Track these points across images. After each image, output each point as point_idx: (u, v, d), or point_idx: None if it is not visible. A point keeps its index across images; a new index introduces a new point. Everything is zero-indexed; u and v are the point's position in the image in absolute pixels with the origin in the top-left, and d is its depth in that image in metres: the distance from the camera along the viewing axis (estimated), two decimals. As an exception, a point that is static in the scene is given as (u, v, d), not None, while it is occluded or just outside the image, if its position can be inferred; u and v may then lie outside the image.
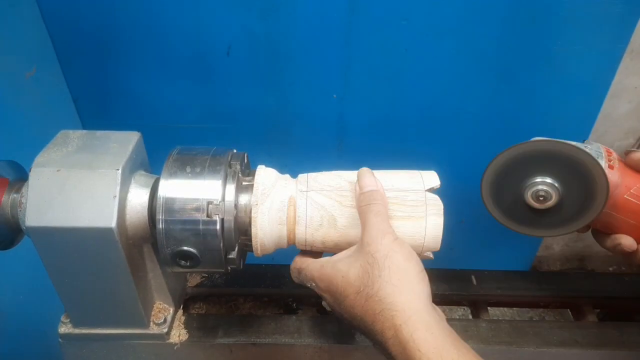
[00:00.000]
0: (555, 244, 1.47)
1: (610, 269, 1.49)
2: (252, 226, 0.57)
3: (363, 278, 0.51)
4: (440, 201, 0.58)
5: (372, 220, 0.54)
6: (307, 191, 0.59)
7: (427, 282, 0.53)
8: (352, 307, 0.52)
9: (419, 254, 0.57)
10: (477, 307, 0.85)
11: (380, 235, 0.52)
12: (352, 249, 0.56)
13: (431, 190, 0.59)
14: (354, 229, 0.58)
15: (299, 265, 0.60)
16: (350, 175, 0.60)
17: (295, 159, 1.03)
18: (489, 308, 0.85)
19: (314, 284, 0.58)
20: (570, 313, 0.88)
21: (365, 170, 0.58)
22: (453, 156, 1.04)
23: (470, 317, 0.86)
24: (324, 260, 0.58)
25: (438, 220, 0.58)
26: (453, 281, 0.84)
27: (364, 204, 0.55)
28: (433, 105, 0.96)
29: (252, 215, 0.57)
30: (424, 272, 0.53)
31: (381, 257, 0.51)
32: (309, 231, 0.59)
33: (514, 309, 1.40)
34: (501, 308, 1.37)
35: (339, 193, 0.59)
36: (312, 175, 0.62)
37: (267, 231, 0.58)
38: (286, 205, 0.59)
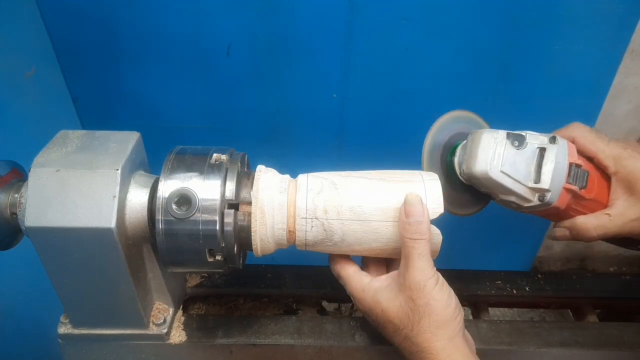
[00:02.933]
0: (556, 244, 1.47)
1: (611, 269, 1.48)
2: (252, 225, 0.57)
3: (403, 320, 0.55)
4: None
5: (415, 262, 0.55)
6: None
7: (462, 312, 0.57)
8: (389, 337, 0.58)
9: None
10: (478, 307, 0.85)
11: (423, 280, 0.54)
12: (391, 277, 0.58)
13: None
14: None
15: (338, 271, 0.63)
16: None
17: (295, 159, 1.03)
18: (489, 308, 0.85)
19: (351, 297, 0.61)
20: (570, 313, 0.88)
21: (414, 197, 0.56)
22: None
23: (471, 317, 0.86)
24: (364, 283, 0.60)
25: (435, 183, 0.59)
26: (453, 281, 0.84)
27: (408, 236, 0.55)
28: (433, 105, 0.96)
29: (252, 214, 0.57)
30: (459, 307, 0.56)
31: (422, 305, 0.54)
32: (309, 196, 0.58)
33: (515, 309, 1.40)
34: (502, 308, 1.37)
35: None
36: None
37: (267, 230, 0.57)
38: (286, 204, 0.59)
